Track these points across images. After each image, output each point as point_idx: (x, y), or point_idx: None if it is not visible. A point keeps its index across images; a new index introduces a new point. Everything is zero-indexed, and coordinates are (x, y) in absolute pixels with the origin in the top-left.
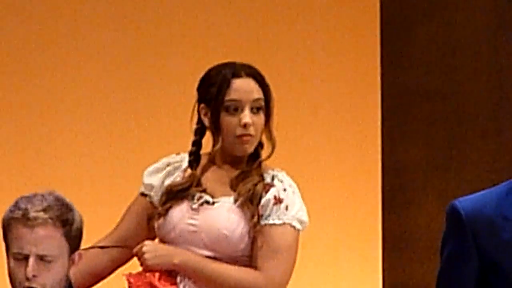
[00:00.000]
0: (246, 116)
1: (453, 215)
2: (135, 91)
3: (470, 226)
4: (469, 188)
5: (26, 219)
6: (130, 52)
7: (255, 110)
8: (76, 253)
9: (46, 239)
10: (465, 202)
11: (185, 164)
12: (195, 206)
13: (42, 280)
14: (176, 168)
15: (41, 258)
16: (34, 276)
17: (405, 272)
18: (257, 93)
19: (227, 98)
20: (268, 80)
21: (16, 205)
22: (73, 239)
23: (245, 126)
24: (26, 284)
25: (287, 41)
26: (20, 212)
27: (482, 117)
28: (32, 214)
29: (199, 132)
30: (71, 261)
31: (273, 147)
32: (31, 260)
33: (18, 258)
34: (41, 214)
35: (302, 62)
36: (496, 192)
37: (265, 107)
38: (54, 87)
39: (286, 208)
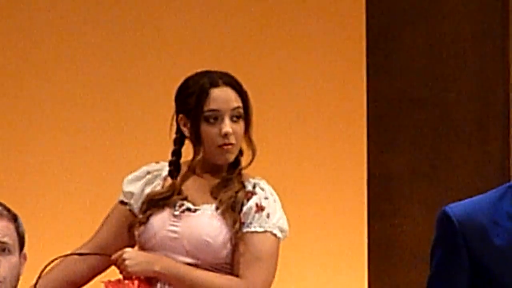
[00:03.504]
0: (227, 125)
1: (444, 220)
2: (114, 100)
3: (461, 232)
4: (454, 196)
5: None
6: (108, 59)
7: (234, 118)
8: (22, 253)
9: (4, 228)
10: (456, 208)
11: (165, 172)
12: (177, 213)
13: (3, 272)
14: (156, 177)
15: (1, 248)
16: None
17: (391, 280)
18: (236, 102)
19: (206, 108)
20: (253, 86)
21: None
22: (22, 237)
23: (225, 135)
24: None
25: (271, 48)
26: None
27: (468, 126)
28: None
29: (179, 142)
30: (22, 261)
31: (253, 155)
32: None
33: None
34: None
35: (286, 69)
36: (487, 198)
37: (244, 114)
38: (36, 91)
39: (268, 216)
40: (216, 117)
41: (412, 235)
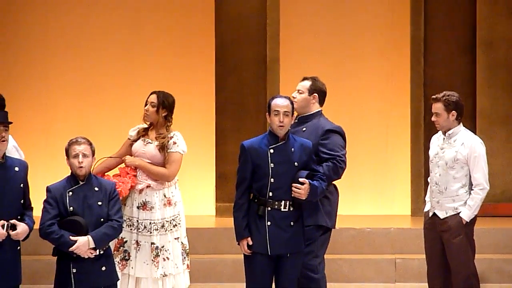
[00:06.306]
0: (148, 107)
1: (242, 147)
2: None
3: (248, 151)
4: (249, 137)
5: None
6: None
7: (153, 105)
8: (93, 157)
9: (86, 147)
10: (247, 141)
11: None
12: (145, 143)
13: (85, 164)
14: (140, 129)
15: (84, 155)
16: None
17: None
18: (155, 99)
19: (147, 101)
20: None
21: None
22: (93, 151)
23: (147, 111)
24: None
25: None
26: None
27: (258, 105)
28: None
29: None
30: (92, 160)
31: (170, 123)
32: None
33: None
34: None
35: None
36: (259, 138)
37: (158, 105)
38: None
39: (178, 146)
40: (146, 104)
41: (235, 154)
